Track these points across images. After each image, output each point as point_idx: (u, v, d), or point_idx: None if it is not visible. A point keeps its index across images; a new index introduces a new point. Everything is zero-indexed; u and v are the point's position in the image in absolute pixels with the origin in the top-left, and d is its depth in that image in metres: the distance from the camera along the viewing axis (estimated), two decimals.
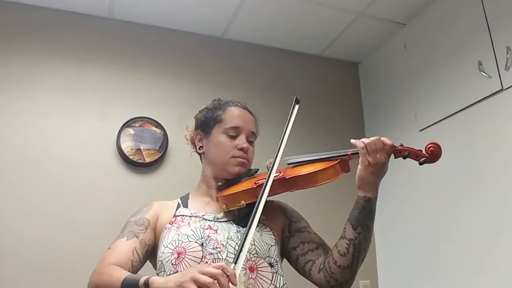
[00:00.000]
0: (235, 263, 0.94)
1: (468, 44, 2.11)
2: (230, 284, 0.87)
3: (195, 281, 0.86)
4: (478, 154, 2.01)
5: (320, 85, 2.80)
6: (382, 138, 1.08)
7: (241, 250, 0.96)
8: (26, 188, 2.03)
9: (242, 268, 1.06)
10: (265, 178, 1.12)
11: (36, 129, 2.13)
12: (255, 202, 1.07)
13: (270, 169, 1.10)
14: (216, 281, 0.85)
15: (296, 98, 1.22)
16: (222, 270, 0.87)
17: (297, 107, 1.22)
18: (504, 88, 1.91)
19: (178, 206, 1.25)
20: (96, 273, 1.08)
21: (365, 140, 1.08)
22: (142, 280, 0.96)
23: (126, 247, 1.11)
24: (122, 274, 1.01)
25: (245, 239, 0.97)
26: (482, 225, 1.94)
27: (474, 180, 2.01)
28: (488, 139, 1.97)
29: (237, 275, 0.90)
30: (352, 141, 1.11)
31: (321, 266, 1.14)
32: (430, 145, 1.07)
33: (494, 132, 1.95)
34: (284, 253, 1.23)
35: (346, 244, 1.09)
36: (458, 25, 2.18)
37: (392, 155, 1.10)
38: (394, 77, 2.64)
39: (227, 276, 0.87)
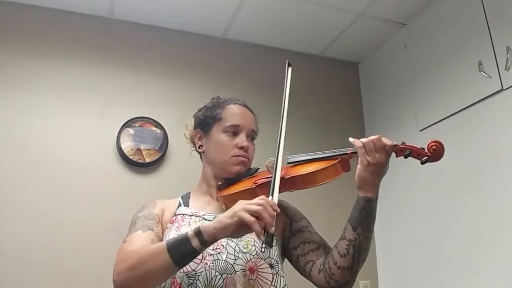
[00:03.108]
0: (272, 195, 1.01)
1: (468, 44, 2.10)
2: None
3: (247, 210, 0.93)
4: (478, 154, 2.01)
5: (320, 85, 2.80)
6: (382, 138, 1.06)
7: (274, 183, 1.03)
8: (26, 188, 2.03)
9: (242, 269, 1.06)
10: (264, 178, 1.11)
11: (36, 129, 2.13)
12: None
13: (274, 165, 1.09)
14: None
15: (287, 61, 1.25)
16: (265, 200, 0.96)
17: (290, 70, 1.24)
18: (504, 88, 1.91)
19: (179, 205, 1.24)
20: (123, 260, 0.99)
21: (364, 139, 1.06)
22: (190, 232, 0.96)
23: (144, 239, 1.07)
24: (160, 243, 0.99)
25: (275, 171, 1.05)
26: (482, 224, 1.94)
27: (474, 180, 2.01)
28: (488, 139, 1.97)
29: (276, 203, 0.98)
30: (351, 140, 1.09)
31: (321, 266, 1.13)
32: (432, 143, 1.04)
33: (494, 132, 1.95)
34: (285, 253, 1.22)
35: (346, 245, 1.07)
36: (458, 25, 2.18)
37: (393, 154, 1.07)
38: (394, 77, 2.64)
39: (270, 205, 0.95)
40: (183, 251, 0.95)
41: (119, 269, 0.98)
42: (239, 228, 0.94)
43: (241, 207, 0.94)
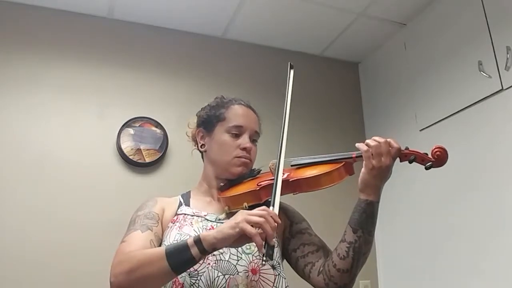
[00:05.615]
0: (273, 206, 1.00)
1: (468, 44, 2.11)
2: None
3: (249, 222, 0.92)
4: (478, 154, 2.01)
5: (320, 85, 2.80)
6: (389, 140, 1.05)
7: (275, 193, 1.02)
8: (26, 188, 2.03)
9: (244, 270, 1.06)
10: (268, 179, 1.11)
11: (36, 129, 2.12)
12: (258, 204, 1.07)
13: (276, 168, 1.08)
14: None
15: (290, 63, 1.25)
16: (266, 211, 0.95)
17: (292, 72, 1.24)
18: (504, 88, 1.91)
19: (180, 204, 1.23)
20: (120, 263, 0.99)
21: (371, 142, 1.06)
22: (190, 239, 0.95)
23: (143, 239, 1.07)
24: (159, 248, 0.99)
25: (276, 180, 1.04)
26: (482, 224, 1.94)
27: (474, 180, 2.01)
28: (488, 139, 1.97)
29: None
30: (357, 145, 1.09)
31: (321, 268, 1.13)
32: (436, 149, 1.04)
33: (494, 132, 1.95)
34: (284, 254, 1.22)
35: (346, 247, 1.07)
36: (458, 25, 2.18)
37: (398, 159, 1.07)
38: (394, 77, 2.64)
39: (271, 216, 0.95)
40: (181, 258, 0.94)
41: (116, 271, 0.97)
42: (239, 239, 0.93)
43: (243, 218, 0.93)
